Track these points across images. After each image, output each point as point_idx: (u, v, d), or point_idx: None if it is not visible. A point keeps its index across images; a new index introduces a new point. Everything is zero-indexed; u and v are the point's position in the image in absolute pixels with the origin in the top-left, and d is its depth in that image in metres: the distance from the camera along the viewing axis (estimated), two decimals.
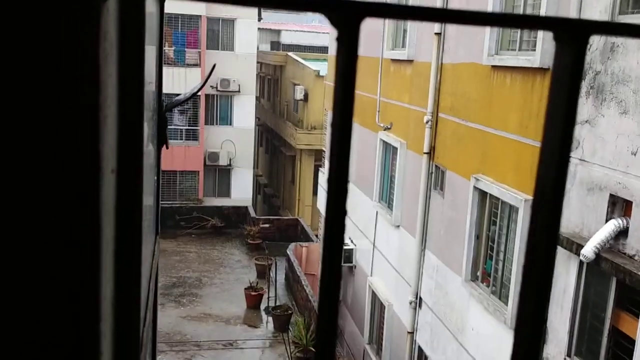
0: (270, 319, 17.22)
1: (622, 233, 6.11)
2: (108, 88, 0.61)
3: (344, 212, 0.41)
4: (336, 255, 0.42)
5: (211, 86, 26.50)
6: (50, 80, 0.49)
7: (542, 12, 7.42)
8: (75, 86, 0.49)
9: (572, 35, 0.43)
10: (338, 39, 0.39)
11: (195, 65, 25.87)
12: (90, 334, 0.54)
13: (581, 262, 6.59)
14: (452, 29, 10.02)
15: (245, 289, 18.30)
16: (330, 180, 0.40)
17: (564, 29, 0.43)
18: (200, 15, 25.75)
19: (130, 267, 0.79)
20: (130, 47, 0.71)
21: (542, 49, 7.38)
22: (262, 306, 18.11)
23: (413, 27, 11.45)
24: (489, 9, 8.63)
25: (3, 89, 0.48)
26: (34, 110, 0.49)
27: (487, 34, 8.65)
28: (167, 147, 1.99)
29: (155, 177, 1.93)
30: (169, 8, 26.56)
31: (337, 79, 0.38)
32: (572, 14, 6.84)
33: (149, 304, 1.42)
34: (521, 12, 8.15)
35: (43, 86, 0.49)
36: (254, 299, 18.07)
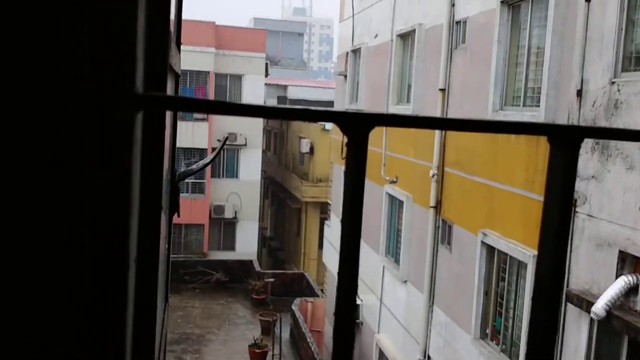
0: None
1: (633, 290, 6.01)
2: (134, 187, 0.66)
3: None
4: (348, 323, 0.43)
5: (218, 140, 26.79)
6: (88, 186, 0.55)
7: (545, 75, 7.52)
8: (111, 191, 0.55)
9: (565, 140, 0.46)
10: (348, 145, 0.43)
11: (203, 120, 26.24)
12: None
13: (592, 320, 6.46)
14: (456, 84, 10.16)
15: (249, 346, 17.97)
16: (340, 279, 0.41)
17: (557, 134, 0.46)
18: (209, 72, 26.28)
19: (146, 345, 0.82)
20: (152, 151, 0.77)
21: (546, 105, 7.45)
22: None
23: (418, 82, 11.63)
24: (491, 80, 8.76)
25: (39, 188, 0.54)
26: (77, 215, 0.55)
27: (492, 88, 8.77)
28: (178, 216, 2.00)
29: (167, 245, 1.93)
30: None
31: (347, 178, 0.41)
32: (575, 73, 6.92)
33: None
34: (524, 75, 8.27)
35: (86, 192, 0.55)
36: (258, 357, 17.71)
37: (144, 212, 0.80)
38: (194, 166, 3.72)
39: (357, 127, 0.42)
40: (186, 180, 26.60)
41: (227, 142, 26.95)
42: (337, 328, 0.42)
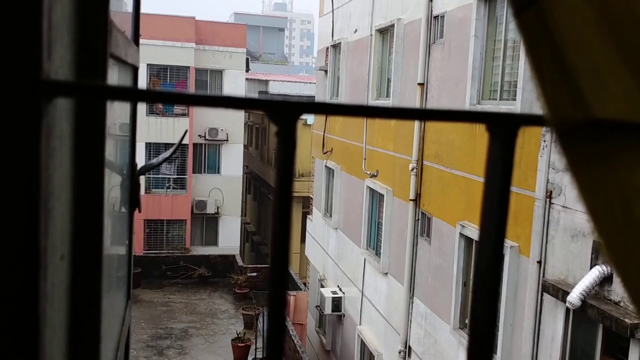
0: None
1: (607, 279, 6.14)
2: (55, 180, 0.62)
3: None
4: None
5: (199, 135, 26.66)
6: None
7: (521, 69, 7.61)
8: (12, 184, 0.51)
9: (503, 128, 0.47)
10: (277, 134, 0.43)
11: (183, 115, 26.08)
12: None
13: (568, 310, 6.59)
14: (435, 78, 10.25)
15: (232, 340, 17.98)
16: (272, 265, 0.43)
17: (495, 122, 0.47)
18: (189, 67, 26.12)
19: (88, 351, 0.80)
20: (88, 138, 0.74)
21: (522, 98, 7.55)
22: (250, 358, 17.76)
23: (397, 77, 11.69)
24: (469, 74, 8.85)
25: None
26: None
27: (469, 82, 8.86)
28: (139, 211, 2.01)
29: (127, 242, 1.94)
30: (157, 59, 26.71)
31: (277, 168, 0.42)
32: None
33: None
34: (501, 69, 8.37)
35: None
36: (241, 351, 17.74)
37: (80, 207, 0.77)
38: (154, 160, 3.71)
39: (284, 115, 0.42)
40: (167, 176, 26.45)
41: (209, 138, 26.83)
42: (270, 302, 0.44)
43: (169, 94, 0.44)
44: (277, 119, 0.43)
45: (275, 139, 0.43)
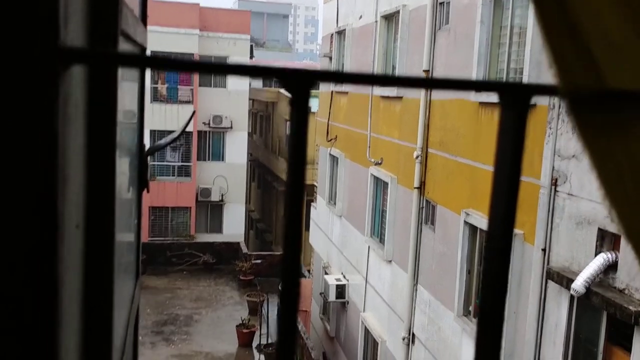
0: (263, 356, 16.98)
1: (612, 267, 6.13)
2: (71, 149, 0.63)
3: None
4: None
5: (204, 122, 26.65)
6: (2, 145, 0.52)
7: (527, 55, 7.57)
8: (31, 151, 0.53)
9: (515, 98, 0.47)
10: (291, 103, 0.44)
11: (188, 102, 26.07)
12: None
13: (572, 297, 6.59)
14: (440, 65, 10.19)
15: (237, 326, 18.08)
16: (286, 237, 0.43)
17: (507, 92, 0.47)
18: (193, 54, 26.05)
19: (101, 319, 0.81)
20: (101, 107, 0.75)
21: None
22: (254, 344, 17.88)
23: (402, 64, 11.64)
24: (474, 61, 8.80)
25: None
26: None
27: (475, 69, 8.81)
28: (147, 191, 2.01)
29: (136, 221, 1.95)
30: (161, 46, 26.64)
31: (290, 136, 0.42)
32: None
33: (125, 350, 1.42)
34: (506, 55, 8.32)
35: None
36: (245, 337, 17.85)
37: (92, 173, 0.78)
38: (162, 141, 3.70)
39: (299, 83, 0.42)
40: (172, 163, 26.49)
41: (213, 125, 26.81)
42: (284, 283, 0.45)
43: (180, 61, 0.45)
44: (292, 87, 0.43)
45: (289, 108, 0.44)
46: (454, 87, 0.48)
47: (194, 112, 4.72)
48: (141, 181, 1.87)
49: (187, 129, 25.58)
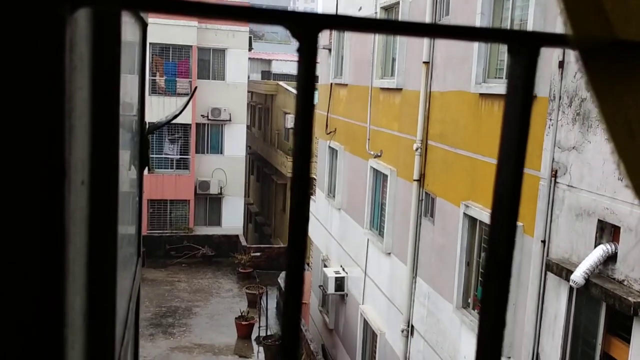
0: (262, 348, 17.02)
1: (611, 258, 6.13)
2: (76, 100, 0.62)
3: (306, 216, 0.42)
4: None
5: (202, 115, 26.60)
6: (10, 88, 0.52)
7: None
8: (38, 94, 0.52)
9: (524, 47, 0.46)
10: (298, 50, 0.42)
11: (187, 94, 25.99)
12: (55, 338, 0.55)
13: (571, 288, 6.60)
14: (440, 57, 10.17)
15: (236, 318, 18.11)
16: (293, 183, 0.42)
17: (516, 41, 0.46)
18: (192, 46, 25.97)
19: (105, 275, 0.80)
20: (105, 61, 0.74)
21: None
22: (253, 336, 17.91)
23: (402, 56, 11.60)
24: (474, 53, 8.77)
25: None
26: None
27: (475, 62, 8.78)
28: (149, 170, 2.00)
29: (138, 199, 1.94)
30: (160, 38, 26.56)
31: (298, 86, 0.40)
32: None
33: (128, 322, 1.41)
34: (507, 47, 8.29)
35: (4, 93, 0.52)
36: (244, 329, 17.88)
37: (97, 133, 0.77)
38: (162, 118, 3.69)
39: (306, 28, 0.40)
40: (170, 156, 26.45)
41: (212, 118, 26.77)
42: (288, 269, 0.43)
43: (184, 2, 0.43)
44: (299, 32, 0.41)
45: (297, 53, 0.42)
46: (461, 35, 0.47)
47: (195, 88, 4.70)
48: (142, 159, 1.86)
49: (185, 122, 25.56)
